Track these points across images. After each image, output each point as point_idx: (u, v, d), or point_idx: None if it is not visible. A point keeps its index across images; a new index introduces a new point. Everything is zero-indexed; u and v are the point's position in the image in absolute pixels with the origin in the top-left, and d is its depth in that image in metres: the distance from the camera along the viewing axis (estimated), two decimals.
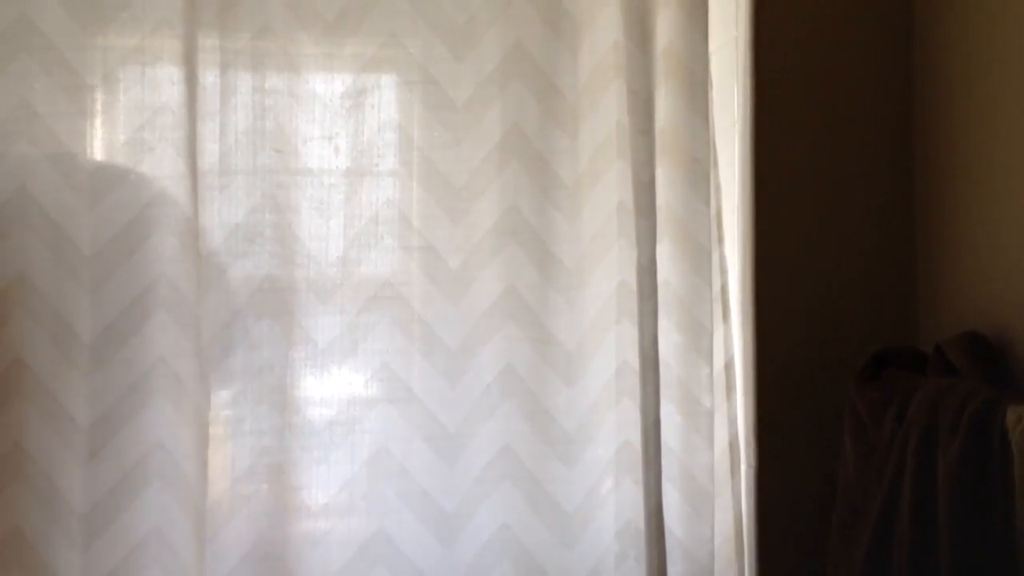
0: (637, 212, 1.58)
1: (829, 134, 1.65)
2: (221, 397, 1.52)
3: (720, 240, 1.66)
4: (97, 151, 1.49)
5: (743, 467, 1.64)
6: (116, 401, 1.45)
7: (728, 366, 1.64)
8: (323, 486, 1.54)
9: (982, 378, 1.39)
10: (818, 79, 1.65)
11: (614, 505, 1.59)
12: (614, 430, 1.59)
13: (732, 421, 1.64)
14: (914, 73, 1.65)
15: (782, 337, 1.63)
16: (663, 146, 1.62)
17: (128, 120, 1.49)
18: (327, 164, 1.57)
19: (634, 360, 1.57)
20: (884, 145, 1.66)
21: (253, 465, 1.52)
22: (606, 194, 1.61)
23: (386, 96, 1.60)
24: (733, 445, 1.63)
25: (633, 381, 1.57)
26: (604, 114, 1.61)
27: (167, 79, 1.49)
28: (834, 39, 1.65)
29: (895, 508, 1.40)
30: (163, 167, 1.48)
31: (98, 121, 1.49)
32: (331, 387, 1.55)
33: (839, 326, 1.64)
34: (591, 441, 1.60)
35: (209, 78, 1.52)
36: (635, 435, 1.56)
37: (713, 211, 1.64)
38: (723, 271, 1.65)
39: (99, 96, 1.49)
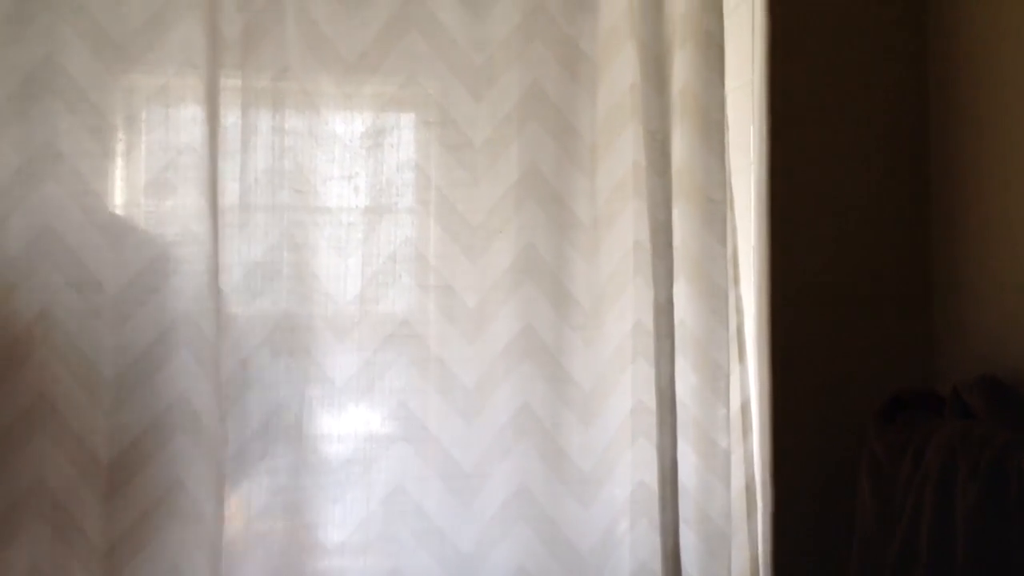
0: (653, 252, 1.59)
1: (844, 174, 1.66)
2: (238, 434, 1.53)
3: (736, 280, 1.66)
4: (120, 190, 1.51)
5: (759, 508, 1.64)
6: (137, 439, 1.45)
7: (744, 407, 1.64)
8: (339, 525, 1.54)
9: (999, 421, 1.39)
10: (833, 120, 1.66)
11: (630, 546, 1.58)
12: (630, 470, 1.59)
13: (749, 462, 1.63)
14: (930, 114, 1.66)
15: (798, 378, 1.63)
16: (679, 186, 1.63)
17: (151, 160, 1.51)
18: (346, 203, 1.59)
19: (650, 400, 1.57)
20: (900, 186, 1.67)
21: (269, 503, 1.52)
22: (623, 234, 1.62)
23: (405, 136, 1.62)
24: (750, 486, 1.63)
25: (649, 421, 1.57)
26: (621, 154, 1.62)
27: (190, 119, 1.51)
28: (849, 81, 1.66)
29: (913, 551, 1.39)
30: (185, 206, 1.49)
31: (122, 161, 1.51)
32: (347, 425, 1.56)
33: (856, 367, 1.64)
34: (607, 481, 1.59)
35: (230, 118, 1.55)
36: (651, 476, 1.56)
37: (729, 251, 1.64)
38: (739, 311, 1.66)
39: (123, 136, 1.51)
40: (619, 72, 1.63)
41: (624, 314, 1.61)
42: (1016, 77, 1.46)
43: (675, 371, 1.58)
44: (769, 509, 1.62)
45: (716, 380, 1.60)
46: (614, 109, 1.63)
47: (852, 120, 1.66)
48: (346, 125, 1.60)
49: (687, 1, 1.62)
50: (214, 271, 1.49)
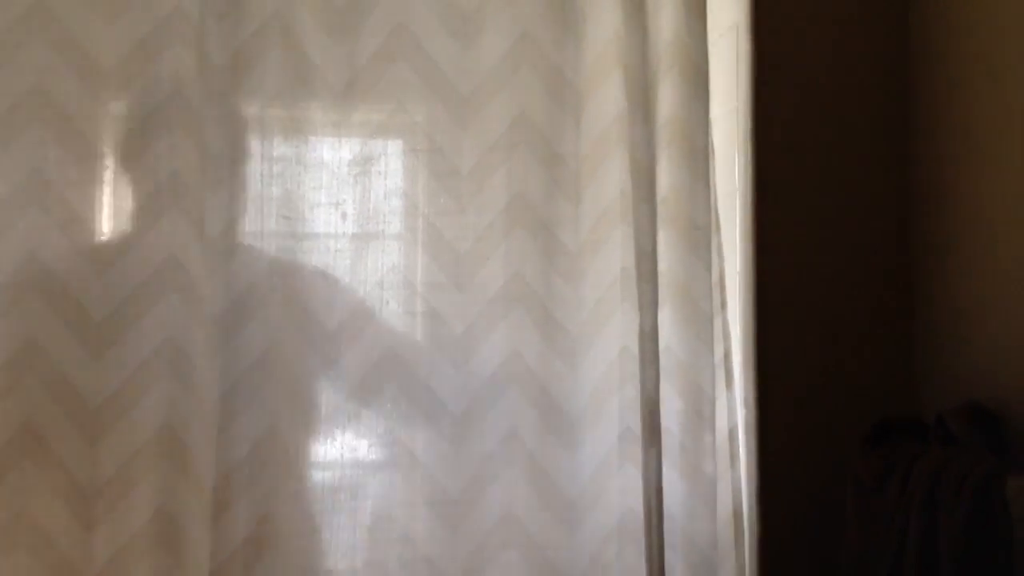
0: (639, 278, 1.60)
1: (829, 202, 1.67)
2: (226, 461, 1.52)
3: (723, 306, 1.67)
4: (107, 218, 1.51)
5: (746, 535, 1.64)
6: (122, 467, 1.44)
7: (732, 433, 1.65)
8: (325, 552, 1.53)
9: (983, 448, 1.40)
10: (818, 147, 1.67)
11: (617, 572, 1.58)
12: (617, 496, 1.59)
13: (736, 489, 1.64)
14: (914, 146, 1.67)
15: (785, 405, 1.64)
16: (665, 213, 1.63)
17: (138, 187, 1.51)
18: (333, 229, 1.59)
19: (636, 426, 1.58)
20: (884, 215, 1.68)
21: (256, 530, 1.52)
22: (609, 260, 1.62)
23: (392, 163, 1.62)
24: (737, 513, 1.63)
25: (636, 447, 1.57)
26: (607, 182, 1.63)
27: (177, 146, 1.51)
28: (833, 109, 1.68)
29: None
30: (172, 233, 1.49)
31: (109, 188, 1.51)
32: (334, 452, 1.56)
33: (841, 395, 1.64)
34: (594, 507, 1.59)
35: (218, 145, 1.55)
36: (637, 502, 1.56)
37: (715, 277, 1.65)
38: (726, 337, 1.66)
39: (110, 163, 1.51)
40: (605, 99, 1.63)
41: (611, 340, 1.61)
42: (1004, 119, 1.48)
43: (661, 397, 1.59)
44: (756, 536, 1.62)
45: (702, 406, 1.61)
46: (600, 137, 1.63)
47: (838, 147, 1.68)
48: (334, 152, 1.60)
49: (672, 29, 1.63)
50: (201, 298, 1.49)
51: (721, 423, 1.63)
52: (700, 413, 1.60)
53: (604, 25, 1.63)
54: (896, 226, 1.68)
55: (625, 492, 1.58)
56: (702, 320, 1.62)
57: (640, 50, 1.65)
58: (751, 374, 1.65)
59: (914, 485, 1.40)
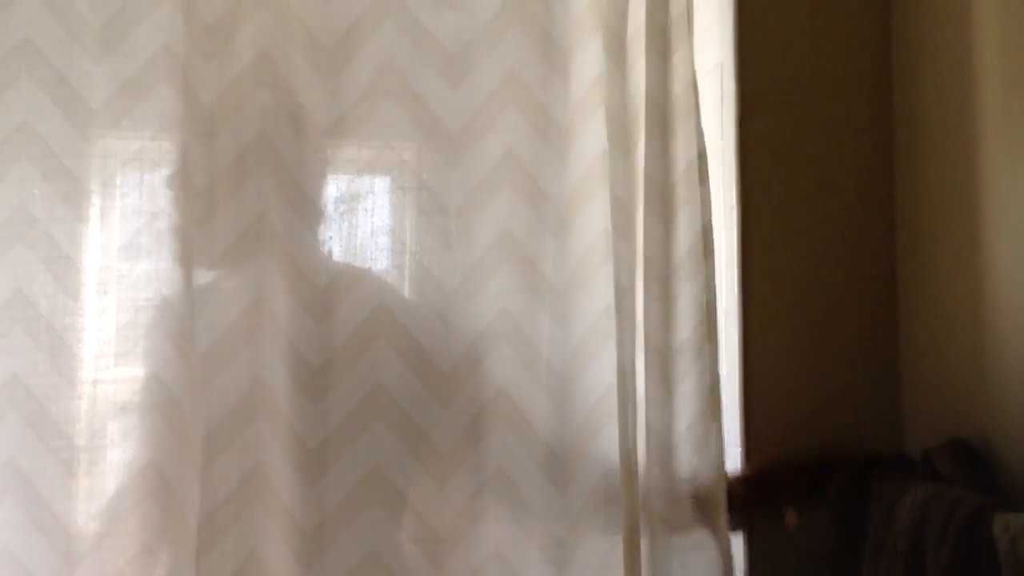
0: (619, 315, 1.60)
1: (813, 239, 1.68)
2: (210, 498, 1.51)
3: (708, 339, 1.67)
4: (94, 255, 1.51)
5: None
6: (104, 507, 1.44)
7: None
8: None
9: (969, 485, 1.40)
10: (803, 183, 1.68)
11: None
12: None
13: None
14: (896, 184, 1.69)
15: (772, 445, 1.63)
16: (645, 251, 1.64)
17: (125, 224, 1.51)
18: (320, 267, 1.59)
19: (614, 461, 1.57)
20: (868, 253, 1.68)
21: (241, 568, 1.51)
22: (593, 296, 1.62)
23: (379, 201, 1.63)
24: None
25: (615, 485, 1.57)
26: (590, 219, 1.63)
27: (164, 184, 1.51)
28: (819, 145, 1.69)
29: None
30: (158, 270, 1.48)
31: (95, 225, 1.51)
32: (321, 490, 1.54)
33: (828, 430, 1.64)
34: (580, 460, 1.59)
35: (205, 183, 1.55)
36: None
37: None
38: (711, 372, 1.66)
39: (97, 201, 1.51)
40: (589, 139, 1.64)
41: (597, 377, 1.61)
42: (988, 152, 1.50)
43: (638, 438, 1.59)
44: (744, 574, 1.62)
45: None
46: (584, 175, 1.64)
47: (821, 181, 1.68)
48: (321, 189, 1.61)
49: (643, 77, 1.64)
50: (187, 335, 1.49)
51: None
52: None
53: (588, 65, 1.64)
54: (881, 267, 1.68)
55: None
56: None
57: (621, 91, 1.66)
58: (737, 414, 1.65)
59: (901, 522, 1.40)
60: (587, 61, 1.65)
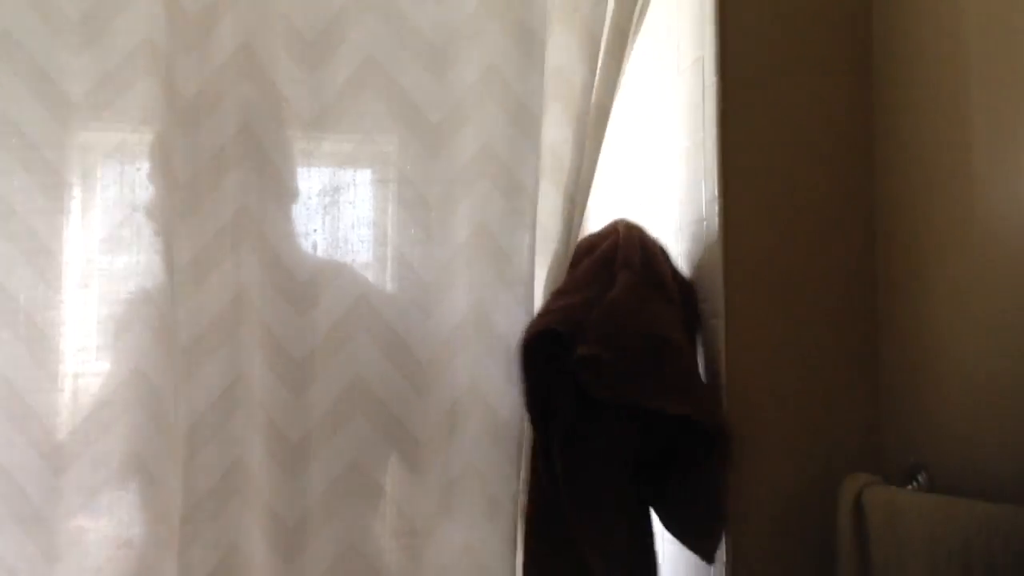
0: None
1: (796, 232, 1.67)
2: (193, 490, 1.51)
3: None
4: (74, 247, 1.50)
5: None
6: (86, 500, 1.44)
7: None
8: None
9: None
10: (785, 176, 1.68)
11: None
12: None
13: None
14: (877, 193, 1.68)
15: (752, 474, 1.61)
16: None
17: (106, 217, 1.51)
18: (302, 259, 1.59)
19: None
20: (849, 266, 1.66)
21: (223, 561, 1.51)
22: None
23: (361, 193, 1.63)
24: None
25: None
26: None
27: (145, 176, 1.51)
28: (800, 138, 1.69)
29: None
30: (139, 263, 1.49)
31: (76, 218, 1.51)
32: (303, 484, 1.55)
33: (806, 425, 1.64)
34: None
35: (187, 175, 1.55)
36: None
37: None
38: None
39: (77, 193, 1.51)
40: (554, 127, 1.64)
41: None
42: (972, 144, 1.51)
43: None
44: None
45: None
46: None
47: (803, 182, 1.68)
48: (304, 182, 1.61)
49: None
50: (170, 328, 1.49)
51: None
52: None
53: (555, 57, 1.64)
54: (861, 287, 1.63)
55: None
56: None
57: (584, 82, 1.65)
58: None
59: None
60: (559, 55, 1.64)
